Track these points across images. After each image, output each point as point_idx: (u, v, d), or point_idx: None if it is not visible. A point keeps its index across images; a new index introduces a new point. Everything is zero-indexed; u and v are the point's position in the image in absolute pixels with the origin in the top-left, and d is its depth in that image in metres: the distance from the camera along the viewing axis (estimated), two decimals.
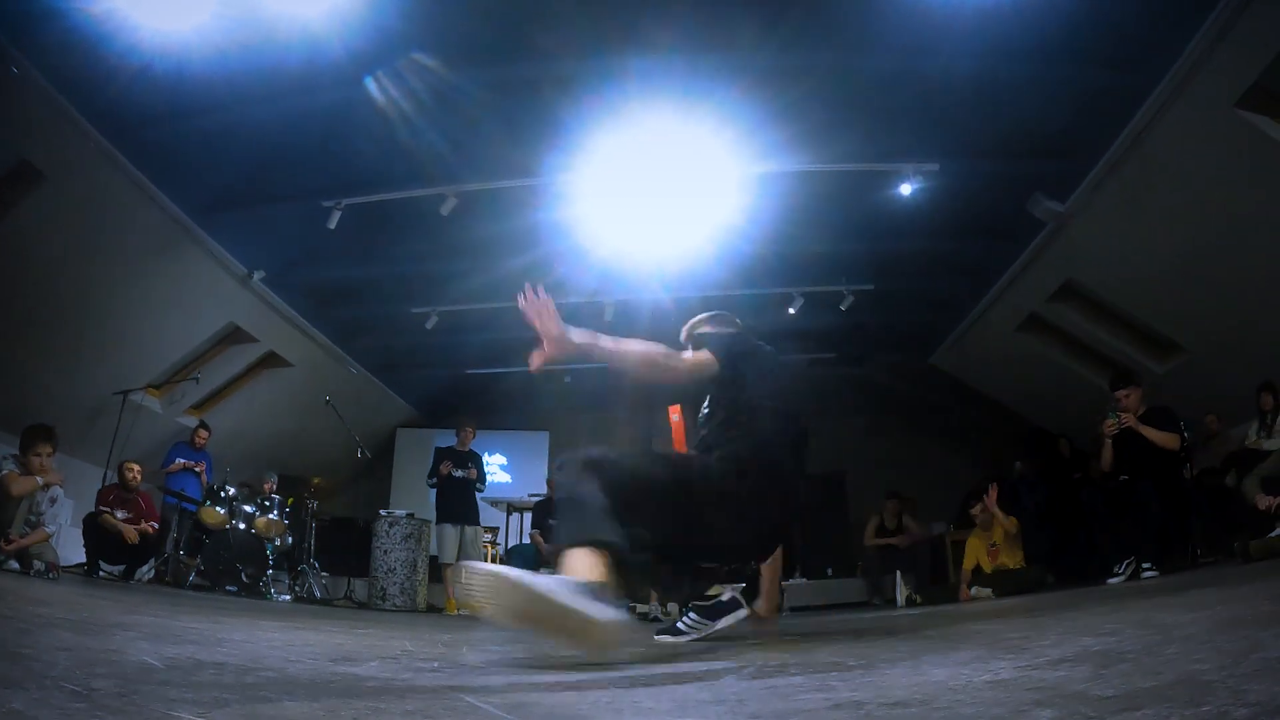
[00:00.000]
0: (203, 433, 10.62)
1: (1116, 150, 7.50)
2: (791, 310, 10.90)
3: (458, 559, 9.89)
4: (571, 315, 10.20)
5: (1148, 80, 6.77)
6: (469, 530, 10.08)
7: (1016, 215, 8.57)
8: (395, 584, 10.10)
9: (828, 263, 10.06)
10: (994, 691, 1.38)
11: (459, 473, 10.06)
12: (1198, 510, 7.36)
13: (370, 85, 6.89)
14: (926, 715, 1.21)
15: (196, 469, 10.39)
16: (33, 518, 7.01)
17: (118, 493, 8.52)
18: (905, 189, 8.35)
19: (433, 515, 11.05)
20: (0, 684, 1.28)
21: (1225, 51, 6.22)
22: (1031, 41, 6.39)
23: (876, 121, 7.64)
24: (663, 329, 11.50)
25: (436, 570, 11.06)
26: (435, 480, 10.14)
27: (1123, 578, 6.76)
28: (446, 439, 11.53)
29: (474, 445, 10.49)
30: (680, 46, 6.64)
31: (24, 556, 6.74)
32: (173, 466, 10.32)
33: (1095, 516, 7.61)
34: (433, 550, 10.77)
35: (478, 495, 10.37)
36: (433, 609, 10.34)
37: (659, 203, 8.56)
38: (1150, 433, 7.13)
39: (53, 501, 7.18)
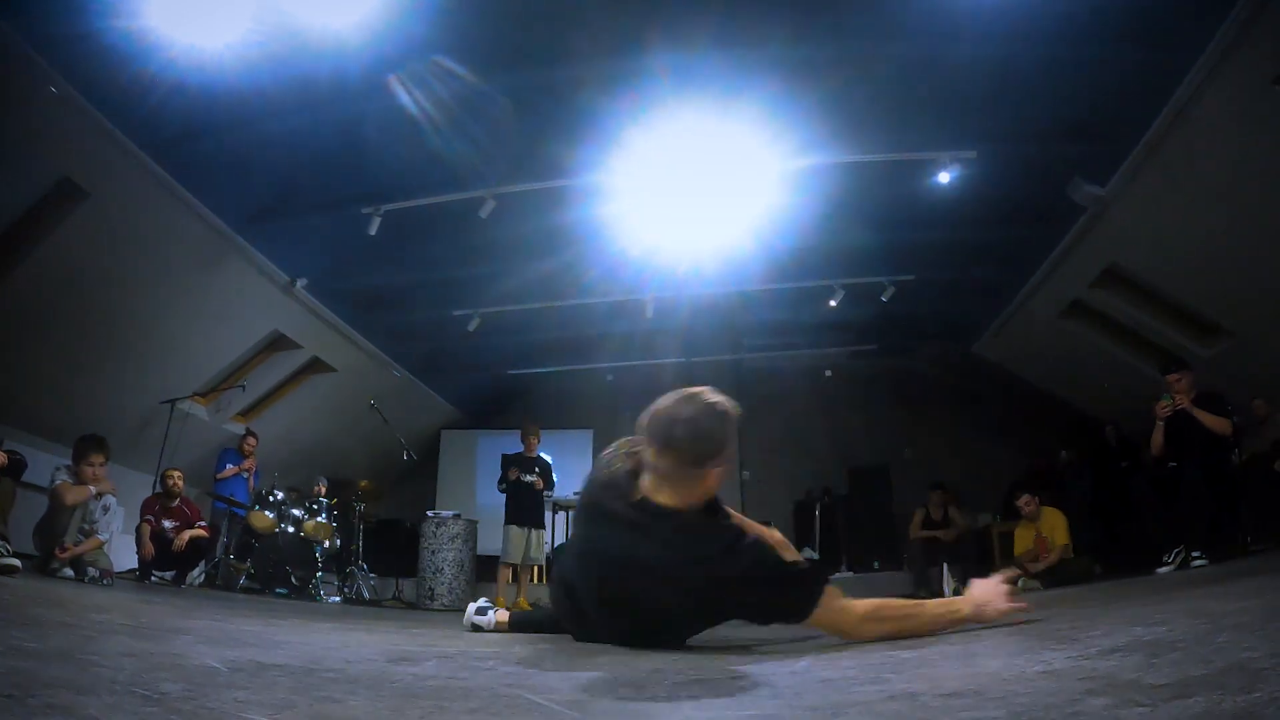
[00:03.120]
0: (251, 440, 10.78)
1: (1155, 131, 7.38)
2: (832, 303, 10.88)
3: (523, 561, 10.04)
4: (612, 313, 10.13)
5: (1184, 59, 6.66)
6: (535, 533, 10.20)
7: (1056, 200, 8.47)
8: (443, 584, 10.24)
9: (868, 254, 10.02)
10: (1047, 681, 1.40)
11: (527, 478, 10.17)
12: (1247, 496, 7.29)
13: (404, 92, 6.95)
14: (980, 705, 1.22)
15: (246, 472, 10.56)
16: (86, 526, 7.15)
17: (162, 501, 8.63)
18: (943, 177, 8.29)
19: (479, 515, 11.16)
20: (75, 690, 1.31)
21: (1262, 27, 6.10)
22: (1064, 23, 6.31)
23: (912, 110, 7.60)
24: (702, 325, 11.56)
25: (483, 569, 11.18)
26: (505, 486, 10.28)
27: (1172, 567, 6.70)
28: (490, 440, 11.61)
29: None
30: (713, 42, 6.63)
31: (78, 564, 6.87)
32: (226, 472, 10.50)
33: (1143, 504, 7.54)
34: (487, 549, 10.90)
35: (546, 497, 10.51)
36: None
37: (697, 199, 8.56)
38: (1204, 416, 7.07)
39: (105, 510, 7.31)
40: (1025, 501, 9.08)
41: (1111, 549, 9.25)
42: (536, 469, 10.27)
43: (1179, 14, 6.21)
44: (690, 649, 2.69)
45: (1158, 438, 7.40)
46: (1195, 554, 6.61)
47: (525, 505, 10.19)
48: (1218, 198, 7.67)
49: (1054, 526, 8.87)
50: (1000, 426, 14.18)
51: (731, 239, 9.28)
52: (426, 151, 7.60)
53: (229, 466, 10.62)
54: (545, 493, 10.41)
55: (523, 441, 10.56)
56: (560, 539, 11.29)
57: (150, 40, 6.15)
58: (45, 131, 6.90)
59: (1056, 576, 8.34)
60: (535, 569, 10.80)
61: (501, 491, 10.39)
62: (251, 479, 10.66)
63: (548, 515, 11.05)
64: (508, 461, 10.37)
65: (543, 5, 6.43)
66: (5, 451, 6.31)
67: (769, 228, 9.01)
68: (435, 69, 6.73)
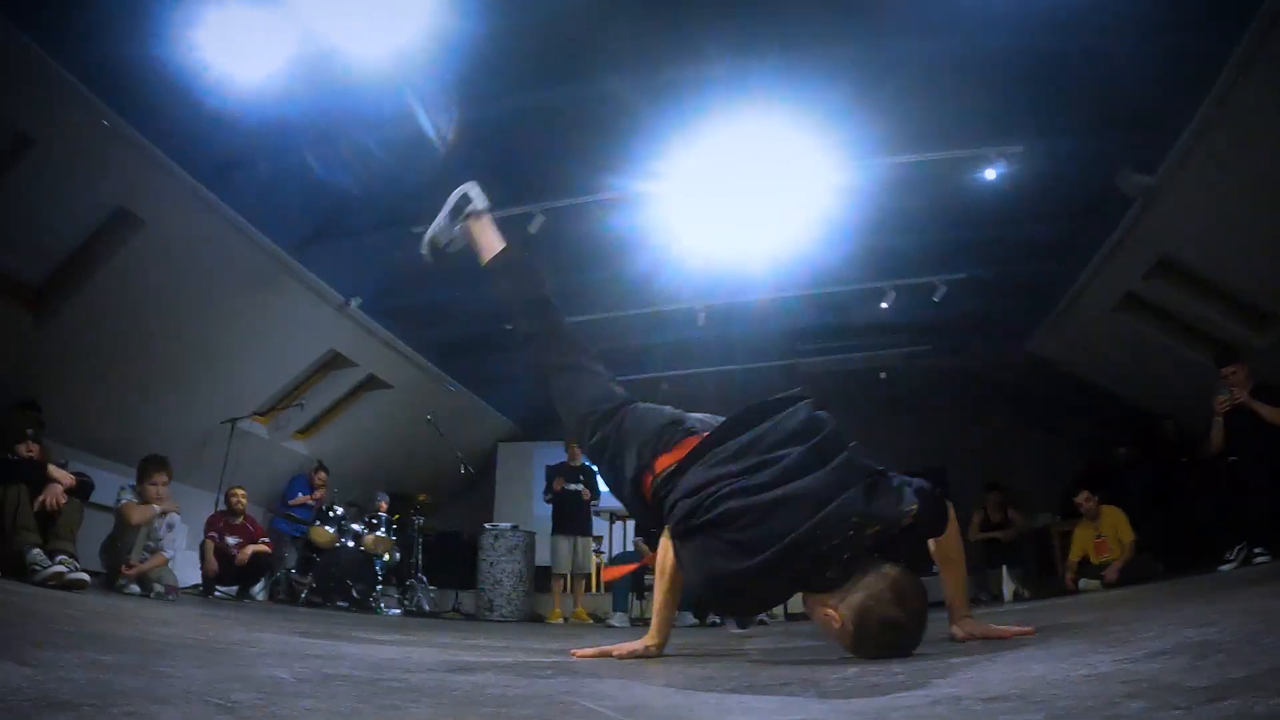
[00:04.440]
0: (322, 474, 11.05)
1: (1202, 116, 7.23)
2: (884, 304, 10.77)
3: (572, 570, 10.16)
4: (663, 322, 10.11)
5: (1228, 40, 6.52)
6: (580, 541, 10.29)
7: (1106, 192, 8.33)
8: (501, 595, 10.32)
9: (918, 254, 9.93)
10: (1089, 685, 1.41)
11: (572, 486, 10.24)
12: None
13: (449, 111, 7.03)
14: (1023, 709, 1.24)
15: (315, 502, 10.79)
16: (151, 543, 7.31)
17: (226, 519, 8.83)
18: (990, 174, 8.18)
19: (536, 527, 11.25)
20: (151, 700, 1.37)
21: None
22: (1105, 12, 6.24)
23: (955, 107, 7.50)
24: (754, 331, 11.53)
25: (540, 580, 11.26)
26: (550, 496, 10.38)
27: (1235, 564, 6.59)
28: (545, 452, 11.66)
29: None
30: (755, 48, 6.65)
31: (144, 580, 7.04)
32: (298, 500, 10.79)
33: (1204, 501, 7.42)
34: (544, 560, 10.99)
35: (593, 507, 10.59)
36: (535, 619, 10.49)
37: (746, 205, 8.56)
38: (1263, 409, 6.94)
39: (170, 528, 7.47)
40: (1084, 499, 8.96)
41: (1173, 546, 9.10)
42: (581, 477, 10.34)
43: None
44: (739, 657, 2.71)
45: (1218, 434, 7.27)
46: (1258, 550, 6.51)
47: (569, 514, 10.28)
48: (1268, 180, 7.51)
49: (1116, 525, 8.74)
50: (1057, 424, 14.00)
51: (780, 244, 9.24)
52: (473, 169, 7.67)
53: (300, 495, 10.91)
54: (592, 502, 10.47)
55: (566, 450, 10.64)
56: (618, 548, 11.33)
57: (197, 72, 6.29)
58: (100, 164, 7.07)
59: (1118, 576, 8.23)
60: (587, 578, 10.89)
61: (548, 503, 10.49)
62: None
63: (603, 524, 11.10)
64: (552, 473, 10.48)
65: (587, 17, 6.46)
66: (74, 474, 6.48)
67: (817, 231, 8.96)
68: (478, 88, 6.81)
